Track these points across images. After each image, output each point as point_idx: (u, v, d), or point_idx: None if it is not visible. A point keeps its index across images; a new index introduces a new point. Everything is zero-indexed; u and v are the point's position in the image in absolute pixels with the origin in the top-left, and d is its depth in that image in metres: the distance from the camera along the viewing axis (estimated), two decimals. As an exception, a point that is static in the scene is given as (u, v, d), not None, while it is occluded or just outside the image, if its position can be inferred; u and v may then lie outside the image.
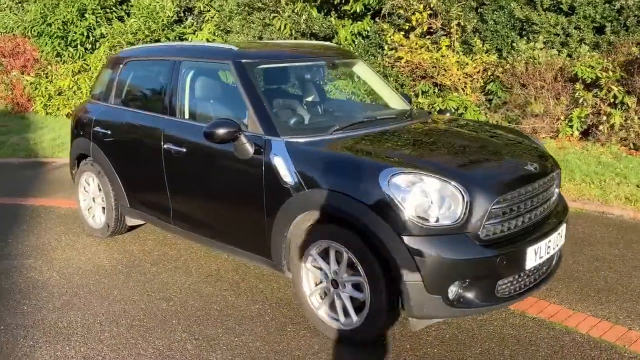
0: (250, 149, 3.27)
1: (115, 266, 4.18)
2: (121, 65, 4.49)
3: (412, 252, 2.65)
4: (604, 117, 6.95)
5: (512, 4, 8.28)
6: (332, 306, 3.08)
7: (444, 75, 8.34)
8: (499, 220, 2.80)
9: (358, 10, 9.40)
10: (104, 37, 11.75)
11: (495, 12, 8.52)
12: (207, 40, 11.16)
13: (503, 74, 7.98)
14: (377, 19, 9.68)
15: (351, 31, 9.76)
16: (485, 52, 8.33)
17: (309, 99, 4.17)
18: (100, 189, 4.64)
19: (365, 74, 4.26)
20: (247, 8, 11.00)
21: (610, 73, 6.86)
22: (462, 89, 8.44)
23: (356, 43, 9.71)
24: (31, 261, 4.32)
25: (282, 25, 10.18)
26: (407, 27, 8.97)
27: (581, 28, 7.81)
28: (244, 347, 3.03)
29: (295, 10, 9.96)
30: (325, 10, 10.16)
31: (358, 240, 2.81)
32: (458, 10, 8.52)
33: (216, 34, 11.74)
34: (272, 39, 10.63)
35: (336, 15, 10.09)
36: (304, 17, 9.85)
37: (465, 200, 2.69)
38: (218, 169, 3.52)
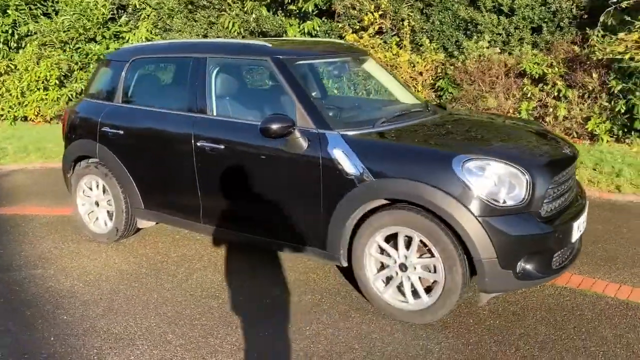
0: (304, 143, 3.35)
1: (138, 270, 4.06)
2: (126, 64, 4.34)
3: (487, 231, 2.88)
4: (550, 109, 7.63)
5: (456, 6, 8.81)
6: (397, 289, 3.24)
7: (397, 73, 8.71)
8: (551, 199, 3.10)
9: (311, 10, 9.55)
10: (31, 34, 11.01)
11: (440, 12, 9.01)
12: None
13: (454, 72, 8.48)
14: (323, 19, 9.89)
15: (301, 30, 9.89)
16: (434, 51, 8.80)
17: (341, 93, 4.29)
18: (105, 192, 4.45)
19: (378, 70, 4.43)
20: (189, 6, 10.78)
21: (555, 69, 7.55)
22: (414, 86, 8.85)
23: (306, 42, 9.83)
24: (41, 271, 4.08)
25: (230, 23, 10.11)
26: (357, 27, 9.25)
27: (520, 28, 8.49)
28: (320, 335, 3.11)
29: (245, 9, 9.93)
30: (274, 9, 10.22)
31: (431, 224, 3.00)
32: (408, 11, 8.94)
33: (154, 32, 11.41)
34: (219, 37, 10.52)
35: (283, 14, 10.18)
36: (253, 15, 9.84)
37: (528, 182, 2.96)
38: (265, 165, 3.55)
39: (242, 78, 4.03)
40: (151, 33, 11.29)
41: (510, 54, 8.45)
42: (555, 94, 7.70)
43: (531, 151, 3.30)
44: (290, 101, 3.52)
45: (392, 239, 3.21)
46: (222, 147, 3.69)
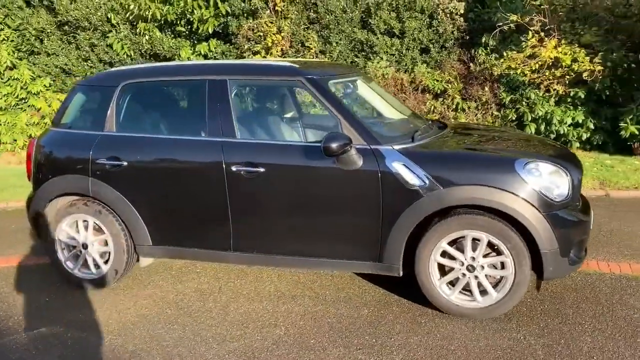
0: (359, 160, 3.43)
1: (162, 311, 3.73)
2: (116, 89, 3.96)
3: (551, 225, 3.25)
4: (452, 121, 8.50)
5: (350, 29, 9.38)
6: (464, 290, 3.46)
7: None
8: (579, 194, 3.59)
9: (211, 31, 9.41)
10: None
11: (337, 34, 9.49)
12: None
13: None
14: (218, 40, 9.80)
15: (196, 52, 9.70)
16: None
17: (357, 111, 4.36)
18: (99, 232, 4.00)
19: (377, 88, 4.57)
20: (65, 27, 9.90)
21: (455, 84, 8.44)
22: (321, 104, 9.17)
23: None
24: (61, 329, 3.54)
25: (118, 45, 9.52)
26: (259, 49, 9.36)
27: (411, 49, 9.32)
28: (408, 344, 3.20)
29: (137, 31, 9.42)
30: (167, 31, 9.86)
31: (500, 224, 3.28)
32: (304, 32, 9.26)
33: (17, 55, 10.28)
34: (105, 60, 9.84)
35: (173, 35, 9.88)
36: (146, 37, 9.40)
37: (569, 179, 3.40)
38: (315, 184, 3.53)
39: (268, 99, 3.93)
40: (14, 56, 10.15)
41: (406, 72, 9.22)
42: (454, 106, 8.60)
43: (562, 154, 3.76)
44: (333, 119, 3.57)
45: (452, 243, 3.43)
46: (262, 170, 3.58)
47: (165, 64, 4.31)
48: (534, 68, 7.65)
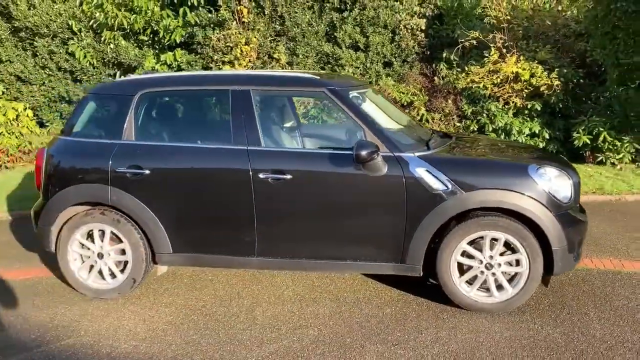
0: (384, 167, 3.64)
1: (188, 317, 3.76)
2: (133, 98, 3.97)
3: (561, 224, 3.58)
4: (418, 131, 8.89)
5: (316, 42, 9.64)
6: (481, 287, 3.73)
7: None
8: (576, 196, 3.96)
9: (178, 41, 9.37)
10: None
11: (303, 47, 9.72)
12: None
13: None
14: (183, 50, 9.77)
15: (161, 61, 9.64)
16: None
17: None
18: (115, 241, 3.98)
19: (382, 98, 4.75)
20: (21, 33, 9.55)
21: (420, 97, 8.85)
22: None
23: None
24: (75, 340, 3.49)
25: (80, 53, 9.30)
26: (227, 59, 9.42)
27: (375, 62, 9.69)
28: (439, 339, 3.42)
29: (103, 39, 9.23)
30: (130, 40, 9.72)
31: (516, 224, 3.58)
32: (271, 45, 9.43)
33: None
34: (66, 68, 9.57)
35: (136, 45, 9.77)
36: (111, 45, 9.24)
37: (571, 182, 3.76)
38: (341, 190, 3.70)
39: (290, 109, 4.06)
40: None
41: (370, 83, 9.56)
42: (419, 117, 9.00)
43: (560, 161, 4.12)
44: (356, 128, 3.76)
45: (470, 243, 3.69)
46: (290, 177, 3.71)
47: (184, 74, 4.35)
48: (496, 82, 8.17)
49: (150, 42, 9.79)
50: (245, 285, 4.26)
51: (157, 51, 9.82)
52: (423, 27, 9.43)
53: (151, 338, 3.50)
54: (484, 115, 8.61)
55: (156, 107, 4.05)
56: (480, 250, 3.68)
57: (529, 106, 8.31)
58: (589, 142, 7.89)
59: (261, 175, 3.73)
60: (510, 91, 8.26)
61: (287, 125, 4.43)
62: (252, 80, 3.95)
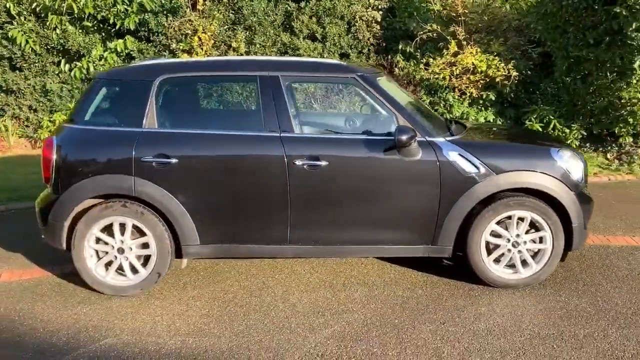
0: (419, 151, 3.73)
1: (224, 309, 3.66)
2: (153, 83, 3.78)
3: (579, 202, 3.85)
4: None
5: (273, 31, 9.57)
6: (508, 264, 3.92)
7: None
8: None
9: (132, 28, 8.95)
10: None
11: (261, 36, 9.62)
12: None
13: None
14: (128, 37, 9.35)
15: (111, 49, 9.18)
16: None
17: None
18: (137, 234, 3.79)
19: (396, 86, 4.78)
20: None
21: (382, 87, 9.04)
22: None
23: (112, 62, 9.07)
24: (129, 337, 3.30)
25: (22, 38, 8.64)
26: (182, 47, 9.13)
27: (332, 53, 9.78)
28: (479, 316, 3.56)
29: (48, 24, 8.61)
30: (76, 26, 9.14)
31: (541, 203, 3.80)
32: (239, 34, 9.27)
33: None
34: (4, 55, 8.86)
35: (83, 31, 9.22)
36: (57, 31, 8.66)
37: (583, 164, 4.05)
38: (378, 175, 3.75)
39: (330, 94, 4.05)
40: None
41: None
42: (379, 108, 9.19)
43: (567, 145, 4.39)
44: (387, 114, 3.82)
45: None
46: (325, 163, 3.71)
47: (207, 59, 4.20)
48: (456, 73, 8.51)
49: (95, 28, 9.25)
50: (268, 275, 4.20)
51: (104, 38, 9.31)
52: (379, 19, 9.61)
53: (195, 332, 3.38)
54: (442, 105, 8.94)
55: (178, 93, 3.89)
56: (507, 229, 3.86)
57: (484, 96, 8.73)
58: (540, 129, 8.42)
59: (297, 162, 3.70)
60: (467, 82, 8.63)
61: (315, 111, 4.41)
62: (280, 65, 3.89)
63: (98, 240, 3.81)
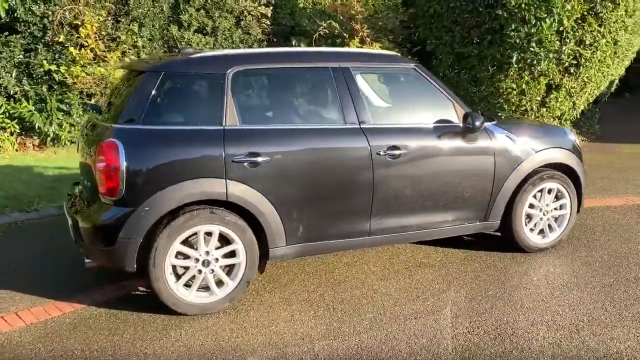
0: (479, 135, 4.08)
1: (334, 302, 3.56)
2: (226, 76, 3.45)
3: (584, 172, 4.58)
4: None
5: (160, 22, 9.02)
6: (539, 232, 4.48)
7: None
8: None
9: (3, 15, 7.57)
10: None
11: (148, 29, 8.97)
12: None
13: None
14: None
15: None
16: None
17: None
18: (222, 243, 3.46)
19: None
20: None
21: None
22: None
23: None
24: (270, 352, 3.01)
25: None
26: (59, 40, 8.10)
27: (224, 48, 9.56)
28: (540, 280, 4.05)
29: None
30: None
31: (563, 175, 4.44)
32: (131, 26, 8.48)
33: None
34: None
35: None
36: None
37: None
38: (448, 160, 3.99)
39: (397, 85, 4.05)
40: None
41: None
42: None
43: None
44: (445, 102, 4.08)
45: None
46: (404, 152, 3.81)
47: (277, 50, 3.95)
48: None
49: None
50: (346, 267, 4.20)
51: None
52: (269, 15, 9.65)
53: (321, 336, 3.22)
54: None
55: (252, 86, 3.60)
56: (539, 201, 4.42)
57: (379, 89, 9.38)
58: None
59: (381, 153, 3.74)
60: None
61: (381, 100, 4.33)
62: (350, 56, 3.90)
63: (177, 254, 3.36)
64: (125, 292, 3.82)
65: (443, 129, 3.97)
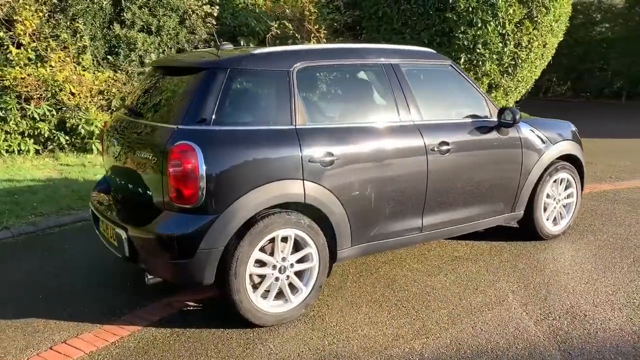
0: (509, 130, 4.25)
1: (387, 301, 3.53)
2: (290, 73, 3.29)
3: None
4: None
5: (108, 23, 8.47)
6: (554, 220, 4.75)
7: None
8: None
9: None
10: None
11: (90, 28, 8.37)
12: None
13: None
14: None
15: None
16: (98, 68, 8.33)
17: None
18: (299, 248, 3.31)
19: None
20: None
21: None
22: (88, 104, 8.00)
23: None
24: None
25: None
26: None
27: (169, 46, 9.14)
28: (569, 267, 4.31)
29: None
30: None
31: (572, 166, 4.75)
32: (75, 24, 7.83)
33: None
34: None
35: None
36: None
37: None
38: (486, 154, 4.10)
39: (439, 81, 4.03)
40: None
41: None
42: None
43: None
44: (478, 97, 4.20)
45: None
46: (452, 147, 3.87)
47: (334, 46, 3.82)
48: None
49: None
50: (387, 265, 4.17)
51: None
52: (215, 14, 9.35)
53: (413, 335, 3.18)
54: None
55: (314, 83, 3.46)
56: (553, 190, 4.69)
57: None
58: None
59: (434, 149, 3.77)
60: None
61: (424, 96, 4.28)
62: (398, 53, 3.89)
63: (260, 262, 3.16)
64: (175, 309, 3.51)
65: (481, 123, 4.08)
